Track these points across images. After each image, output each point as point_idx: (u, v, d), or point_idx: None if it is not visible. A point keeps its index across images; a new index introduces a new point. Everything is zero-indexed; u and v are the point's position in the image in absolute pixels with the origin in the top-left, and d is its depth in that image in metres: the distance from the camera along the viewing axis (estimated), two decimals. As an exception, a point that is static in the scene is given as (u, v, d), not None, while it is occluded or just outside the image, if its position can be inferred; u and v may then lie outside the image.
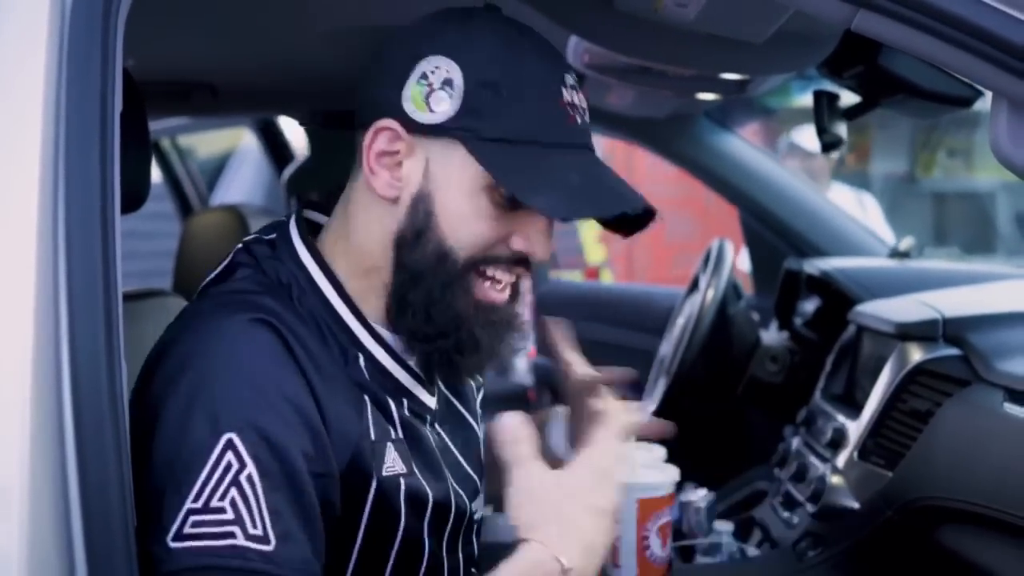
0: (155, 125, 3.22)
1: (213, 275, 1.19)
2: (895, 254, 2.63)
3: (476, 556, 1.31)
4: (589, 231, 7.21)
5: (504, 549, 1.06)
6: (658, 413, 2.42)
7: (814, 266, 2.46)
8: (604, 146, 6.94)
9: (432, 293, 1.13)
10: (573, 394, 1.35)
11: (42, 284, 0.95)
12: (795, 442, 2.06)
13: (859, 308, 2.10)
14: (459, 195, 1.12)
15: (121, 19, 1.02)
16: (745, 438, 2.72)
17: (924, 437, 1.62)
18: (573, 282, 5.49)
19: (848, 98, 1.86)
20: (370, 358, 1.16)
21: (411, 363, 1.20)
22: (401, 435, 1.16)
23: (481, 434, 1.36)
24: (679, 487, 1.81)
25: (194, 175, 4.12)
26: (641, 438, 1.70)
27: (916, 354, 1.73)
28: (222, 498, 0.98)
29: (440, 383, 1.27)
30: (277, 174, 3.66)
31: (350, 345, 1.15)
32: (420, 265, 1.13)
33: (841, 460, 1.84)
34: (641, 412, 1.31)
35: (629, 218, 1.19)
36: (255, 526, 0.98)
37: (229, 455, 0.99)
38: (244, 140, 4.99)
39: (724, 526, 1.90)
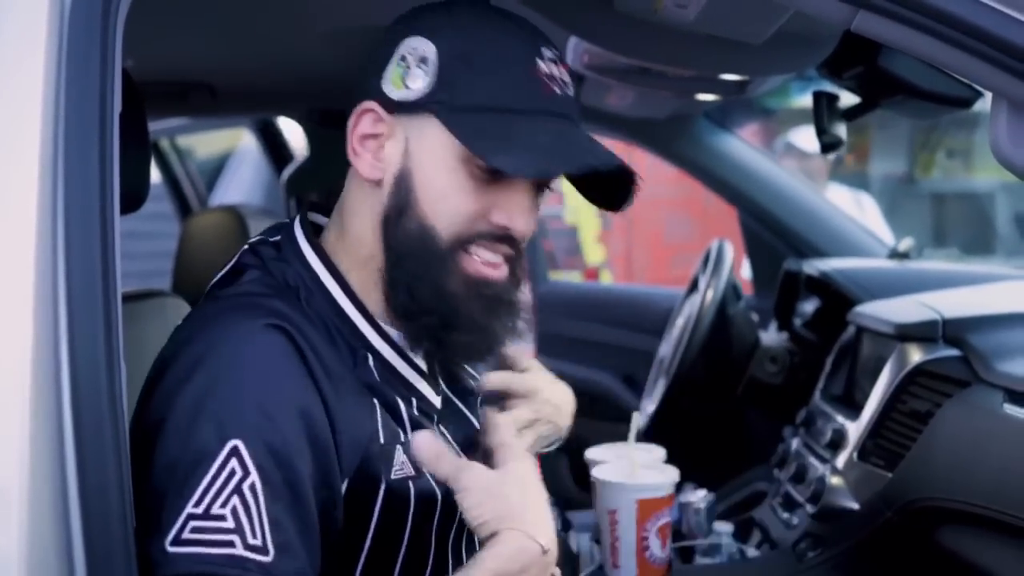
0: (154, 126, 3.22)
1: (219, 277, 1.19)
2: (894, 255, 2.63)
3: None
4: (589, 231, 7.22)
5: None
6: (658, 414, 2.42)
7: (813, 267, 2.46)
8: (604, 145, 6.93)
9: (416, 271, 1.13)
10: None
11: (41, 284, 0.95)
12: (795, 443, 2.06)
13: (858, 309, 2.10)
14: (437, 170, 1.12)
15: (120, 19, 1.01)
16: (744, 439, 2.72)
17: (924, 438, 1.62)
18: (572, 283, 5.49)
19: (848, 99, 1.85)
20: (379, 357, 1.17)
21: (418, 361, 1.21)
22: (410, 436, 1.15)
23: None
24: (679, 488, 1.81)
25: (193, 175, 4.12)
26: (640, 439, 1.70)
27: (916, 355, 1.73)
28: (223, 505, 0.98)
29: (442, 381, 1.27)
30: (276, 174, 3.66)
31: (359, 345, 1.16)
32: (404, 244, 1.13)
33: (841, 461, 1.84)
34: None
35: (613, 188, 1.19)
36: (255, 536, 0.98)
37: (233, 462, 0.99)
38: (243, 140, 4.99)
39: (724, 527, 1.90)
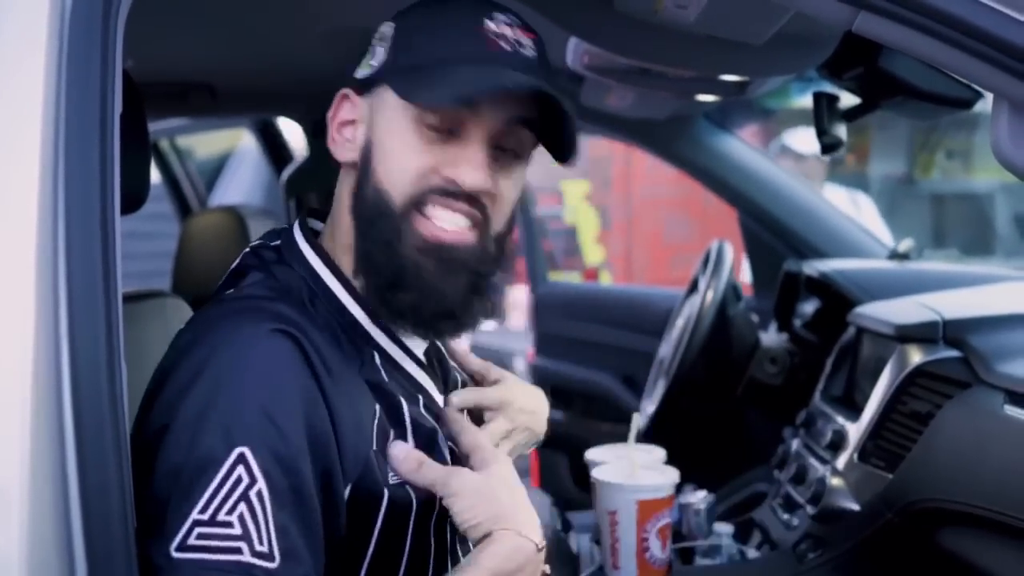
0: (154, 126, 3.22)
1: (223, 281, 1.20)
2: (894, 256, 2.63)
3: None
4: (588, 232, 7.22)
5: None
6: (658, 414, 2.42)
7: (813, 268, 2.46)
8: (604, 146, 6.97)
9: (374, 235, 1.14)
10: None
11: (42, 285, 0.94)
12: (795, 444, 2.06)
13: (859, 310, 2.09)
14: (390, 134, 1.15)
15: (121, 20, 1.01)
16: (745, 440, 2.72)
17: (924, 439, 1.62)
18: (572, 283, 5.49)
19: (848, 100, 1.85)
20: (385, 355, 1.17)
21: (421, 356, 1.22)
22: (411, 435, 1.16)
23: None
24: (679, 489, 1.81)
25: (193, 176, 4.12)
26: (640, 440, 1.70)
27: (916, 356, 1.73)
28: (230, 512, 0.97)
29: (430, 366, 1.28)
30: (276, 175, 3.66)
31: (364, 344, 1.16)
32: (365, 213, 1.15)
33: (841, 462, 1.84)
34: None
35: (559, 135, 1.18)
36: (261, 543, 0.98)
37: (240, 469, 0.98)
38: (243, 141, 4.99)
39: (724, 528, 1.90)
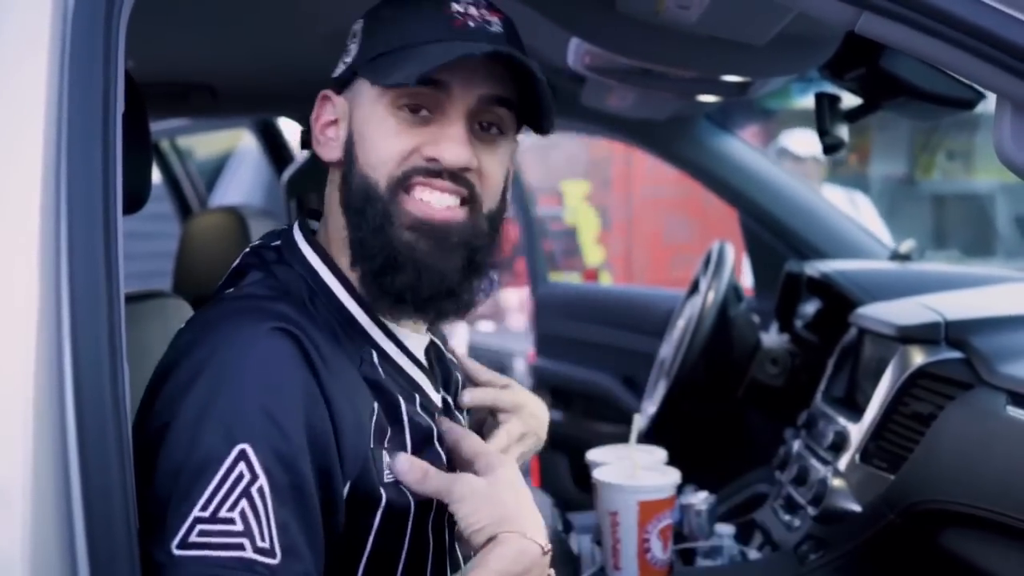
0: (155, 126, 3.22)
1: (223, 281, 1.20)
2: (896, 257, 2.62)
3: None
4: (588, 232, 7.22)
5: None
6: (659, 415, 2.42)
7: (815, 268, 2.46)
8: (605, 146, 6.97)
9: (367, 225, 1.15)
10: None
11: (45, 285, 0.94)
12: (796, 445, 2.06)
13: (860, 311, 2.09)
14: (370, 124, 1.16)
15: (123, 20, 1.01)
16: (746, 441, 2.72)
17: (926, 440, 1.62)
18: (572, 284, 5.49)
19: (850, 100, 1.85)
20: (383, 354, 1.17)
21: (420, 357, 1.22)
22: (408, 433, 1.16)
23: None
24: (680, 490, 1.81)
25: (193, 176, 4.12)
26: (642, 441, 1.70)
27: (918, 357, 1.73)
28: (232, 509, 0.98)
29: (438, 372, 1.28)
30: (276, 175, 3.66)
31: (363, 343, 1.16)
32: (354, 203, 1.16)
33: (843, 463, 1.84)
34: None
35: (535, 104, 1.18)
36: (263, 539, 0.98)
37: (241, 466, 0.99)
38: (243, 141, 4.99)
39: (725, 529, 1.90)
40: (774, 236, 2.82)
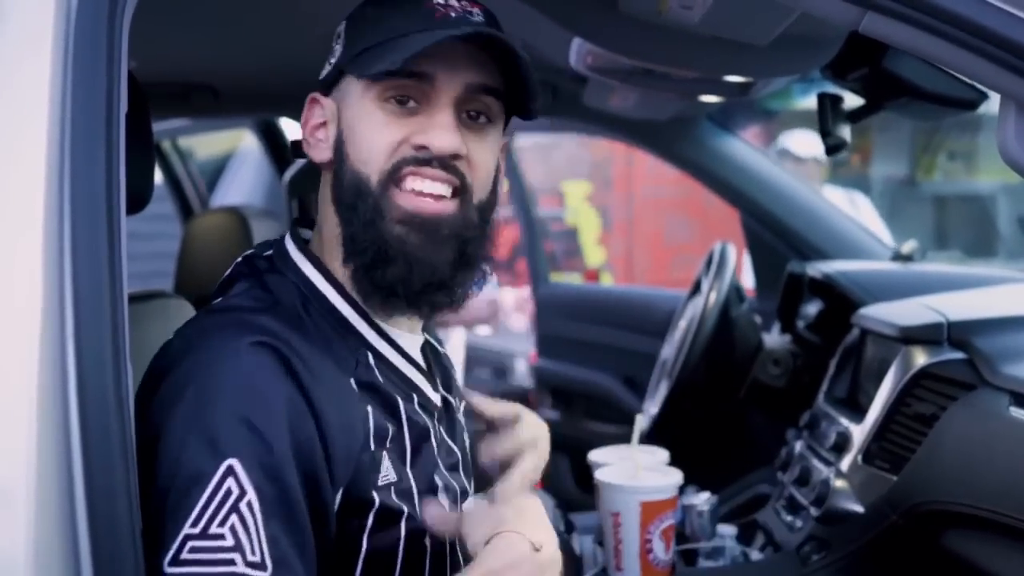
0: (157, 127, 3.22)
1: (215, 289, 1.21)
2: (898, 257, 2.62)
3: None
4: (589, 233, 7.22)
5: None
6: (661, 416, 2.42)
7: (817, 269, 2.46)
8: (606, 147, 6.97)
9: (359, 220, 1.15)
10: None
11: (48, 285, 0.95)
12: (798, 445, 2.06)
13: (863, 311, 2.09)
14: (359, 120, 1.16)
15: (127, 20, 1.01)
16: (748, 441, 2.72)
17: (929, 441, 1.62)
18: (573, 284, 5.49)
19: (852, 100, 1.85)
20: (379, 356, 1.18)
21: (416, 358, 1.22)
22: (407, 435, 1.16)
23: (466, 428, 1.36)
24: (682, 490, 1.81)
25: (194, 176, 4.12)
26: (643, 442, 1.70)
27: (920, 358, 1.73)
28: (221, 524, 0.98)
29: (438, 377, 1.28)
30: (278, 175, 3.66)
31: (358, 346, 1.17)
32: (346, 199, 1.16)
33: (845, 464, 1.84)
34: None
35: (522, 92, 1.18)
36: (254, 553, 0.98)
37: (229, 481, 0.99)
38: (244, 141, 4.99)
39: (727, 529, 1.90)
40: (776, 237, 2.82)
